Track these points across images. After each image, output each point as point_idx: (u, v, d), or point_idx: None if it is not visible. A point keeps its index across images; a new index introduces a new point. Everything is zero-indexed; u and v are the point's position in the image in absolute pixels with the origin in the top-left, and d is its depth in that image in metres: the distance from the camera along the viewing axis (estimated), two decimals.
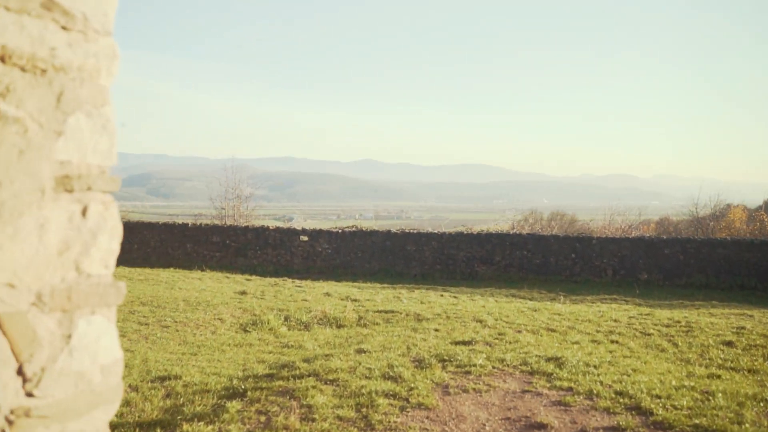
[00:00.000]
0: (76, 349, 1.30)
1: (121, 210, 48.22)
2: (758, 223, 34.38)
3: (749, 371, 6.88)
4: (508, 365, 6.31)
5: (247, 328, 9.49)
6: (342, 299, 12.32)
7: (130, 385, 5.89)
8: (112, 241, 1.40)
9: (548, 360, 6.47)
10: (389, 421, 4.78)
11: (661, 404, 5.17)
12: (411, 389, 5.45)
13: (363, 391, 5.36)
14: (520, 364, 6.33)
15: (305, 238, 21.41)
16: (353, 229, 22.01)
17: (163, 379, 6.18)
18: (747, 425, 4.73)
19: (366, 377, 5.79)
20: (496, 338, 7.81)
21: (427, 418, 4.91)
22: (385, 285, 16.63)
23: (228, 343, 8.42)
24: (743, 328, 9.05)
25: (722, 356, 7.53)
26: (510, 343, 7.55)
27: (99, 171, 1.36)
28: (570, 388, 5.60)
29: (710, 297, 15.59)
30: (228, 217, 32.78)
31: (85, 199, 1.33)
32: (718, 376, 6.43)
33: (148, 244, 22.36)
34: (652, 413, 4.98)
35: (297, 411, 4.96)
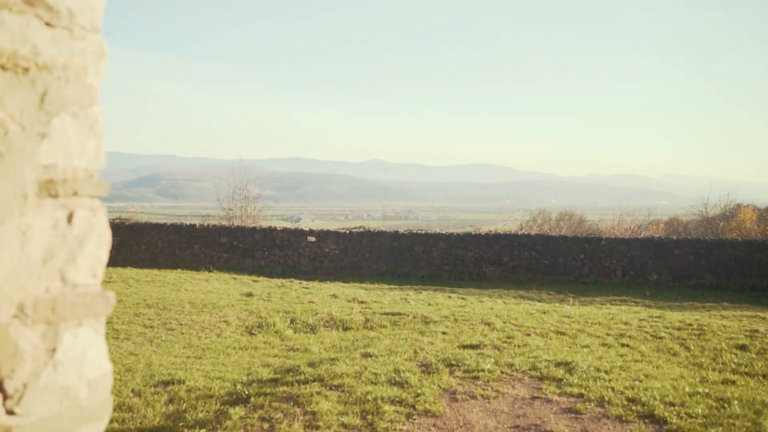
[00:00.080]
0: (61, 363, 1.24)
1: (130, 211, 48.46)
2: None
3: (764, 376, 6.72)
4: (516, 370, 6.18)
5: (253, 331, 9.42)
6: (349, 301, 12.24)
7: (133, 390, 5.84)
8: (100, 249, 1.33)
9: (558, 365, 6.33)
10: (395, 429, 4.68)
11: (675, 412, 5.03)
12: (418, 395, 5.34)
13: (368, 397, 5.27)
14: (529, 369, 6.20)
15: (313, 239, 21.37)
16: (361, 229, 21.93)
17: (166, 383, 6.12)
18: None
19: (372, 383, 5.69)
20: (505, 342, 7.69)
21: (434, 425, 4.80)
22: (393, 286, 16.54)
23: (233, 346, 8.36)
24: (756, 331, 8.88)
25: (736, 360, 7.37)
26: (519, 346, 7.41)
27: (86, 175, 1.29)
28: (581, 395, 5.46)
29: (721, 298, 15.41)
30: (236, 218, 32.76)
31: (71, 204, 1.26)
32: (733, 382, 6.29)
33: (156, 246, 22.41)
34: (666, 422, 4.85)
35: (301, 418, 4.87)
